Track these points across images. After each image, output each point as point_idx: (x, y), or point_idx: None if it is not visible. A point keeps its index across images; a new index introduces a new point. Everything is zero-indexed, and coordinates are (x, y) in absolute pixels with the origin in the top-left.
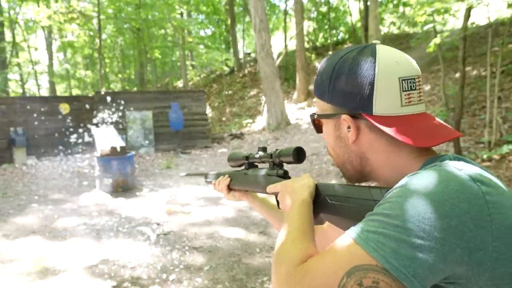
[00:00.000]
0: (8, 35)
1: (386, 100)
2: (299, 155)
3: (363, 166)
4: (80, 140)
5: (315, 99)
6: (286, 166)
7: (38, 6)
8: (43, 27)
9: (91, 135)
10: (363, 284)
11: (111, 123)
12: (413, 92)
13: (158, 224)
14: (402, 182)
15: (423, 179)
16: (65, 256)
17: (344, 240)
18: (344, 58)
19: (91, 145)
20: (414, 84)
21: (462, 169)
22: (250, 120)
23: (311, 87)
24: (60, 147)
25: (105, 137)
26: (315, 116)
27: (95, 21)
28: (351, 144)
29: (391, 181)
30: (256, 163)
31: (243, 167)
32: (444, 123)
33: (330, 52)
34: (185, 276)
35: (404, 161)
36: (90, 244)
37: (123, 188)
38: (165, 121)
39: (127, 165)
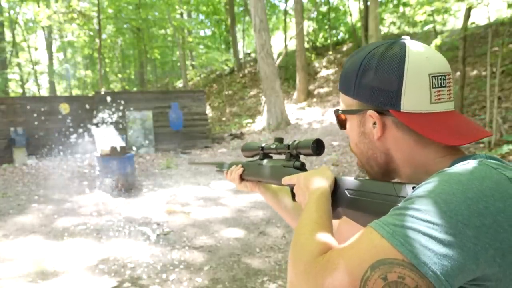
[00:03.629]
0: (8, 35)
1: (415, 97)
2: (318, 147)
3: (388, 163)
4: (80, 140)
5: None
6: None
7: (38, 6)
8: (43, 27)
9: (91, 135)
10: (387, 278)
11: (111, 123)
12: (443, 89)
13: (158, 224)
14: (432, 178)
15: (456, 176)
16: (65, 256)
17: (368, 233)
18: (371, 54)
19: (91, 145)
20: (445, 81)
21: (497, 168)
22: (250, 120)
23: (311, 87)
24: (60, 147)
25: (105, 137)
26: (340, 111)
27: (95, 21)
28: (376, 141)
29: (415, 178)
30: (271, 154)
31: (257, 157)
32: (474, 122)
33: (330, 52)
34: (185, 276)
35: (431, 160)
36: (90, 244)
37: (123, 188)
38: (165, 121)
39: (127, 165)
